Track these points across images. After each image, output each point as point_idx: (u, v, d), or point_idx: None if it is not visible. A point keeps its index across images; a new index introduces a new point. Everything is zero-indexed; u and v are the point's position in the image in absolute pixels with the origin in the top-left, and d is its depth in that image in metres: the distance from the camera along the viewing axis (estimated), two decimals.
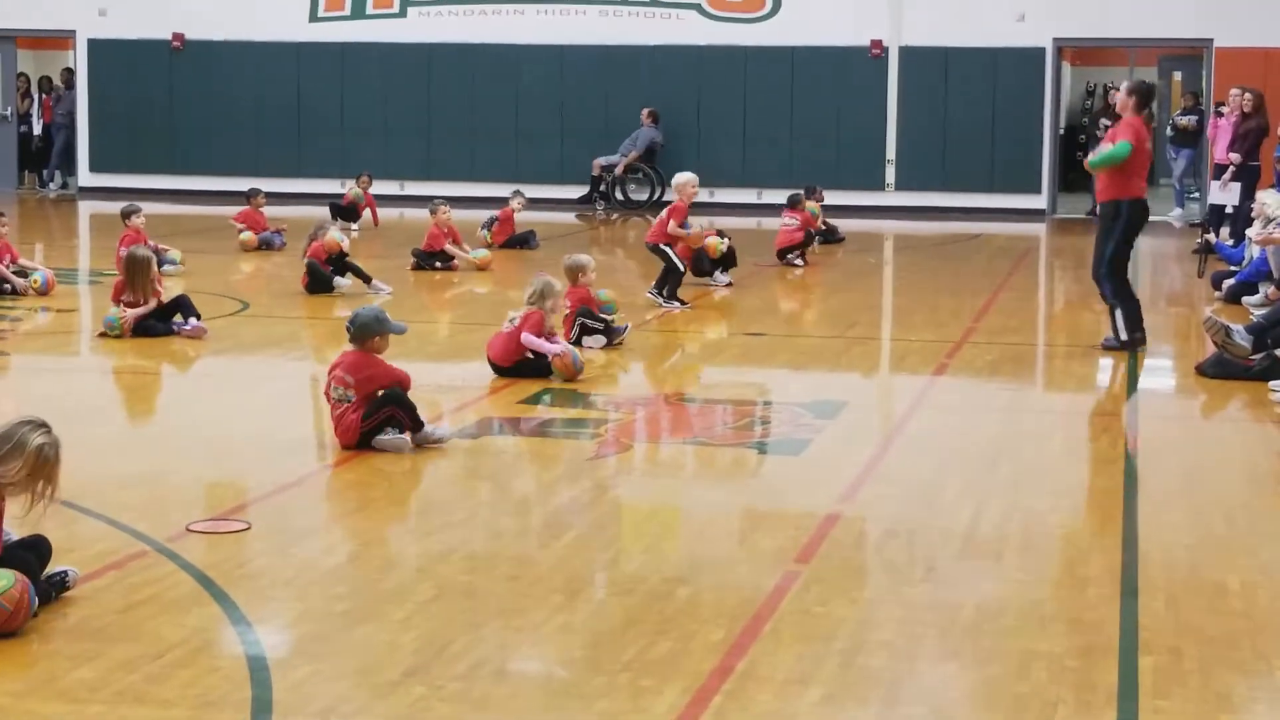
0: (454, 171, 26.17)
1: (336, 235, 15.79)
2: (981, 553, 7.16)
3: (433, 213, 17.75)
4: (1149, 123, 12.45)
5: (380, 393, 8.89)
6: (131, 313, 12.56)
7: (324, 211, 20.72)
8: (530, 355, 11.03)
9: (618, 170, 25.56)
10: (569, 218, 24.10)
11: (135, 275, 12.67)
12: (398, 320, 9.35)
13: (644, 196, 25.57)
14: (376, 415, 8.83)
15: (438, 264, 17.52)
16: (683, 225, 15.30)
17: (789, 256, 18.24)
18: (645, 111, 25.93)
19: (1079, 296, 16.69)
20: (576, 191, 25.90)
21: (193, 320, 12.70)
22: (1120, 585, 6.65)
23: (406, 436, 8.89)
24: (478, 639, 5.93)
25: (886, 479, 8.59)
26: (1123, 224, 12.26)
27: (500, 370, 11.09)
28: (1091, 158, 12.46)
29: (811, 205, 19.30)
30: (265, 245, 19.33)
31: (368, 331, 9.07)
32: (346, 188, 22.80)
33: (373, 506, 8.14)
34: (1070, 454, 9.42)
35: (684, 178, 15.65)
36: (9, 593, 5.82)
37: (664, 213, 15.57)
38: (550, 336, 11.23)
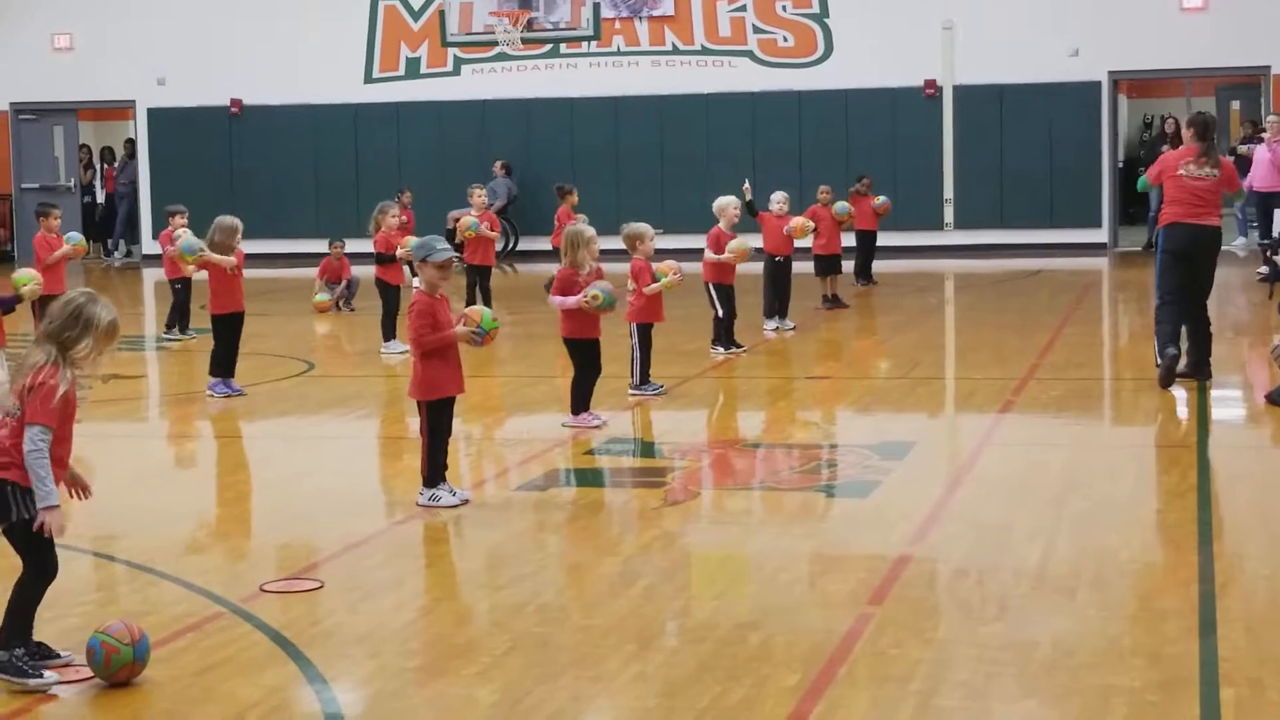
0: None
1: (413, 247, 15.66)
2: (1055, 590, 7.11)
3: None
4: (1210, 150, 12.24)
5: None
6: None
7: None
8: None
9: None
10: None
11: (228, 236, 12.92)
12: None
13: (499, 247, 23.62)
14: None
15: None
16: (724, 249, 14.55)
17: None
18: (499, 163, 25.75)
19: (1143, 329, 16.58)
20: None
21: None
22: (1198, 618, 6.59)
23: (462, 495, 9.00)
24: (553, 690, 5.93)
25: (956, 518, 8.55)
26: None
27: None
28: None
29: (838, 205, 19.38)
30: (337, 306, 19.37)
31: (420, 252, 9.05)
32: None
33: (442, 561, 8.18)
34: (1141, 488, 9.35)
35: (724, 201, 14.88)
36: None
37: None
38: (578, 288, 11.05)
